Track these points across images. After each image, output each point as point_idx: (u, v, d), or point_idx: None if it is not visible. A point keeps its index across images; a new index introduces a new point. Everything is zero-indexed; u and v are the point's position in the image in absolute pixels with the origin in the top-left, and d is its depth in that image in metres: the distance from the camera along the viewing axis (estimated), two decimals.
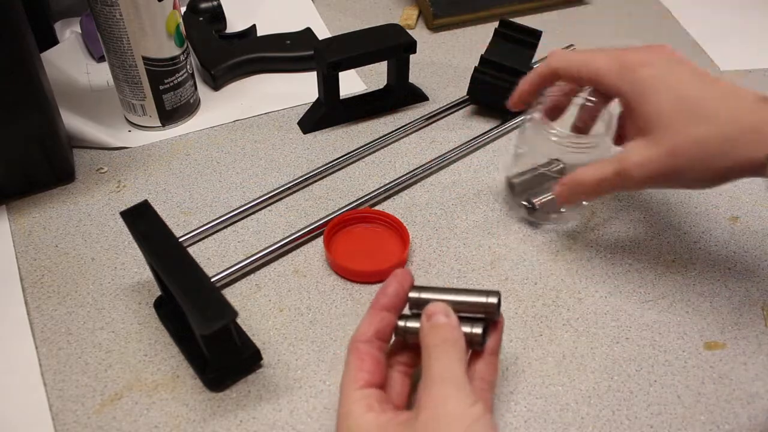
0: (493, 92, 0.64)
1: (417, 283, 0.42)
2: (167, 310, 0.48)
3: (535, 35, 0.66)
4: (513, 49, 0.66)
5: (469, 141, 0.63)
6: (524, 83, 0.50)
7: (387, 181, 0.59)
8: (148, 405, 0.43)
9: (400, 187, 0.59)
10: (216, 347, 0.42)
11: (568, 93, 0.51)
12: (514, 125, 0.66)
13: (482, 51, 0.66)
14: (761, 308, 0.50)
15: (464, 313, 0.39)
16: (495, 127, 0.65)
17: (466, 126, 0.67)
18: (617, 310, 0.49)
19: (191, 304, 0.39)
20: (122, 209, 0.46)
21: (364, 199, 0.57)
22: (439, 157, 0.61)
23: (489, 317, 0.40)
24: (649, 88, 0.42)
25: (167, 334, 0.47)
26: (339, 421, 0.36)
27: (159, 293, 0.49)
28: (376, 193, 0.57)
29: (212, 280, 0.49)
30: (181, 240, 0.49)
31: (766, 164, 0.40)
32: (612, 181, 0.45)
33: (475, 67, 0.65)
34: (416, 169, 0.60)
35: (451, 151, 0.62)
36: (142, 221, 0.45)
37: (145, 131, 0.65)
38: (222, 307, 0.39)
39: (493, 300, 0.39)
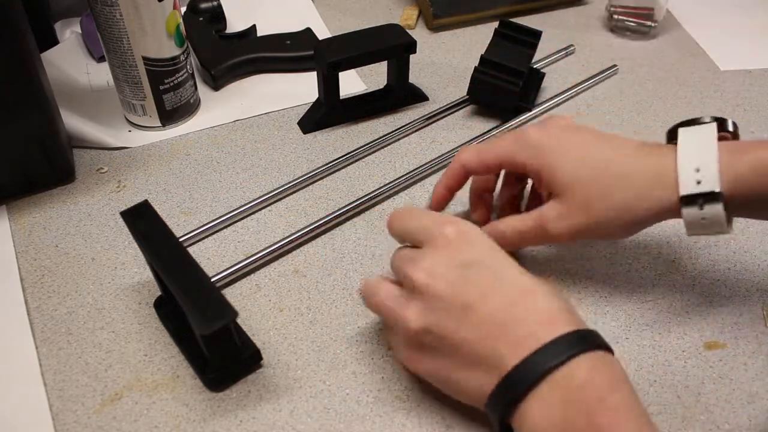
0: (493, 92, 0.64)
1: None
2: (167, 310, 0.48)
3: (535, 35, 0.66)
4: (513, 49, 0.66)
5: (469, 141, 0.63)
6: (439, 187, 0.52)
7: (387, 181, 0.59)
8: (148, 405, 0.43)
9: (400, 187, 0.59)
10: (216, 347, 0.42)
11: (485, 188, 0.54)
12: (515, 125, 0.66)
13: (482, 51, 0.66)
14: (761, 308, 0.50)
15: None
16: (495, 127, 0.65)
17: (467, 126, 0.67)
18: (617, 310, 0.49)
19: (191, 304, 0.39)
20: (122, 209, 0.46)
21: (364, 199, 0.57)
22: (439, 157, 0.61)
23: None
24: (551, 155, 0.46)
25: (167, 334, 0.47)
26: None
27: (159, 293, 0.49)
28: (376, 193, 0.57)
29: (212, 280, 0.49)
30: (181, 240, 0.49)
31: (680, 206, 0.42)
32: (531, 234, 0.47)
33: (476, 67, 0.65)
34: (416, 169, 0.60)
35: (450, 151, 0.62)
36: (142, 221, 0.45)
37: (145, 131, 0.65)
38: (222, 307, 0.39)
39: None
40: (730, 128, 0.44)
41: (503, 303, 0.38)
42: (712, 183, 0.40)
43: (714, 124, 0.43)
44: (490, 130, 0.65)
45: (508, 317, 0.37)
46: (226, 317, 0.38)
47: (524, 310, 0.37)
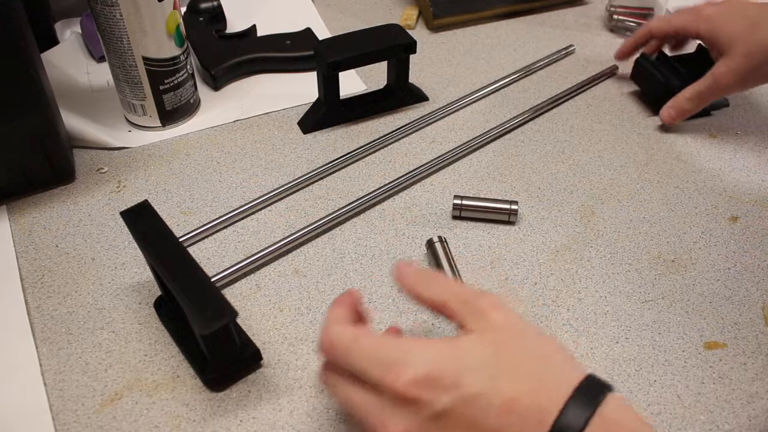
0: (656, 85, 0.68)
1: None
2: (167, 310, 0.48)
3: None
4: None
5: (468, 141, 0.63)
6: (629, 41, 0.71)
7: (387, 181, 0.59)
8: (148, 405, 0.43)
9: (400, 187, 0.59)
10: (216, 347, 0.42)
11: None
12: (508, 129, 0.66)
13: (482, 51, 0.66)
14: (761, 308, 0.50)
15: (492, 214, 0.55)
16: (495, 127, 0.65)
17: (467, 126, 0.67)
18: (617, 310, 0.49)
19: (191, 304, 0.39)
20: (122, 209, 0.46)
21: (364, 199, 0.57)
22: (439, 157, 0.61)
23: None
24: (721, 25, 0.61)
25: (167, 334, 0.47)
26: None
27: (159, 293, 0.49)
28: (376, 193, 0.57)
29: (212, 280, 0.49)
30: (181, 239, 0.49)
31: None
32: (708, 91, 0.62)
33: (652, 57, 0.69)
34: (416, 168, 0.60)
35: (450, 151, 0.62)
36: (142, 221, 0.45)
37: (145, 131, 0.65)
38: (222, 307, 0.39)
39: (514, 207, 0.55)
40: None
41: None
42: None
43: None
44: (490, 129, 0.65)
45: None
46: (226, 317, 0.38)
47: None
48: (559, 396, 0.32)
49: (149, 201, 0.46)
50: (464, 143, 0.63)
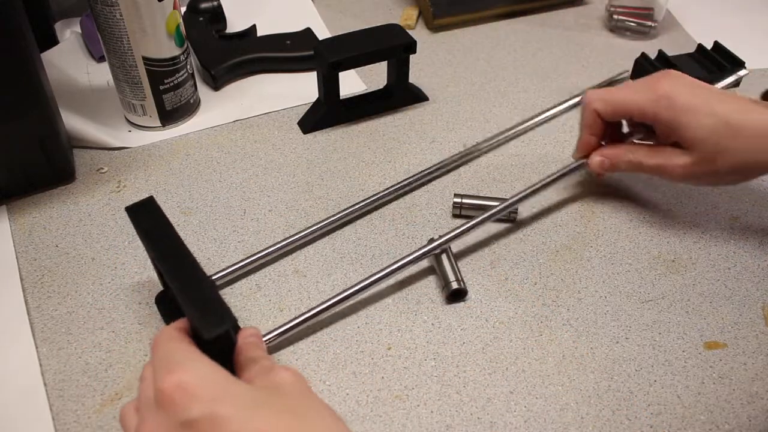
0: None
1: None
2: (168, 306, 0.48)
3: (737, 63, 0.68)
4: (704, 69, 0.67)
5: (474, 146, 0.63)
6: (585, 136, 0.55)
7: (387, 181, 0.59)
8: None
9: (401, 186, 0.59)
10: (214, 350, 0.42)
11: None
12: (510, 137, 0.66)
13: (482, 51, 0.66)
14: (761, 308, 0.50)
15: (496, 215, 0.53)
16: (500, 133, 0.65)
17: (467, 126, 0.67)
18: (617, 310, 0.49)
19: (192, 308, 0.38)
20: (122, 209, 0.46)
21: (364, 201, 0.57)
22: (441, 162, 0.61)
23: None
24: (686, 115, 0.49)
25: None
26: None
27: (159, 291, 0.49)
28: (376, 193, 0.57)
29: (213, 278, 0.49)
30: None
31: None
32: (650, 169, 0.52)
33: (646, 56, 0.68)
34: (419, 173, 0.60)
35: (453, 156, 0.62)
36: (146, 217, 0.45)
37: (145, 131, 0.65)
38: (222, 313, 0.38)
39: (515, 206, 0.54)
40: None
41: None
42: None
43: None
44: (494, 136, 0.65)
45: None
46: (226, 324, 0.38)
47: None
48: None
49: (153, 197, 0.46)
50: (464, 150, 0.63)
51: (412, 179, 0.59)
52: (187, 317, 0.39)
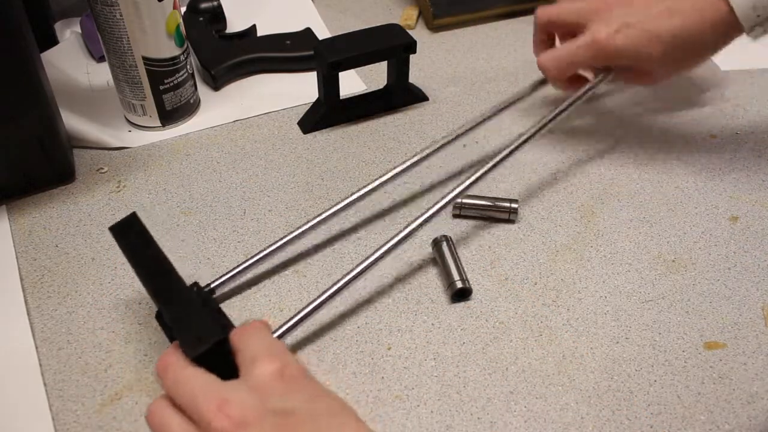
0: None
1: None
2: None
3: None
4: None
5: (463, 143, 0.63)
6: (537, 45, 0.63)
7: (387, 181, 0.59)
8: (148, 405, 0.43)
9: (400, 186, 0.59)
10: (210, 365, 0.41)
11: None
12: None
13: (482, 51, 0.66)
14: (761, 308, 0.50)
15: (492, 212, 0.56)
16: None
17: (467, 126, 0.67)
18: (617, 310, 0.49)
19: (176, 330, 0.38)
20: (123, 209, 0.46)
21: (365, 201, 0.57)
22: (440, 161, 0.61)
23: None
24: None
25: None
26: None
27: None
28: (376, 193, 0.57)
29: (212, 281, 0.48)
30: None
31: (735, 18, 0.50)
32: (585, 48, 0.55)
33: None
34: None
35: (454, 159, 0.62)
36: (129, 236, 0.44)
37: (145, 131, 0.65)
38: (201, 331, 0.37)
39: (515, 205, 0.55)
40: None
41: None
42: None
43: None
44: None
45: None
46: (204, 343, 0.37)
47: None
48: None
49: (144, 206, 0.45)
50: (464, 165, 0.63)
51: (411, 179, 0.59)
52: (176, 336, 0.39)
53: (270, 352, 0.36)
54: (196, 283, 0.48)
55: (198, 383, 0.35)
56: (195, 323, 0.38)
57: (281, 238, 0.53)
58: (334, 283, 0.46)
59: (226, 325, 0.44)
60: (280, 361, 0.36)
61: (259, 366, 0.35)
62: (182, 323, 0.38)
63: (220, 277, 0.50)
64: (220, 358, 0.38)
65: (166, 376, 0.36)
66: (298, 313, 0.45)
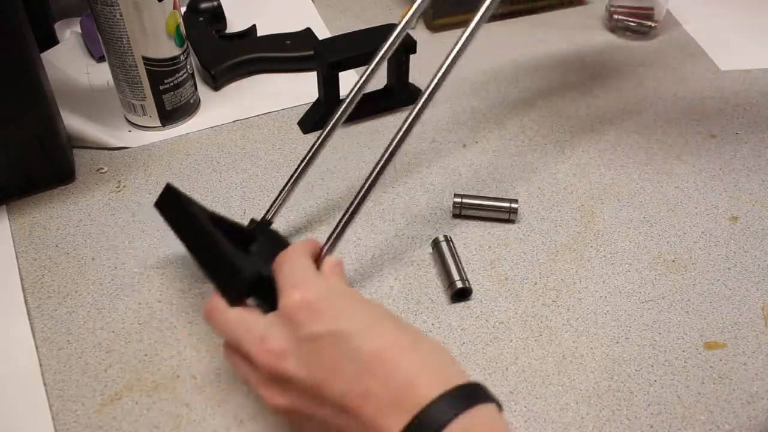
0: None
1: None
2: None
3: None
4: None
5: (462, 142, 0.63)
6: None
7: (388, 182, 0.59)
8: (148, 405, 0.43)
9: (401, 186, 0.59)
10: (254, 296, 0.41)
11: None
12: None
13: (482, 51, 0.66)
14: (761, 308, 0.50)
15: (492, 212, 0.56)
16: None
17: (466, 126, 0.67)
18: (617, 310, 0.49)
19: (212, 278, 0.40)
20: (122, 209, 0.46)
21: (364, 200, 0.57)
22: (441, 161, 0.61)
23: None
24: None
25: (168, 334, 0.47)
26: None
27: (159, 291, 0.49)
28: (376, 193, 0.57)
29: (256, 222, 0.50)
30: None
31: None
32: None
33: None
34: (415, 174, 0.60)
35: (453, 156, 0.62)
36: (171, 208, 0.46)
37: (145, 131, 0.65)
38: (236, 274, 0.39)
39: (515, 205, 0.55)
40: None
41: (357, 375, 0.33)
42: None
43: None
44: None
45: (362, 389, 0.33)
46: (238, 285, 0.39)
47: (379, 381, 0.33)
48: (439, 382, 0.33)
49: (170, 186, 0.46)
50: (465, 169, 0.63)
51: (411, 175, 0.59)
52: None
53: (294, 281, 0.37)
54: (252, 219, 0.52)
55: (238, 325, 0.37)
56: (224, 270, 0.40)
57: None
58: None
59: (275, 253, 0.42)
60: (302, 288, 0.37)
61: (285, 296, 0.37)
62: (215, 273, 0.40)
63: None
64: (259, 292, 0.40)
65: (212, 322, 0.39)
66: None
